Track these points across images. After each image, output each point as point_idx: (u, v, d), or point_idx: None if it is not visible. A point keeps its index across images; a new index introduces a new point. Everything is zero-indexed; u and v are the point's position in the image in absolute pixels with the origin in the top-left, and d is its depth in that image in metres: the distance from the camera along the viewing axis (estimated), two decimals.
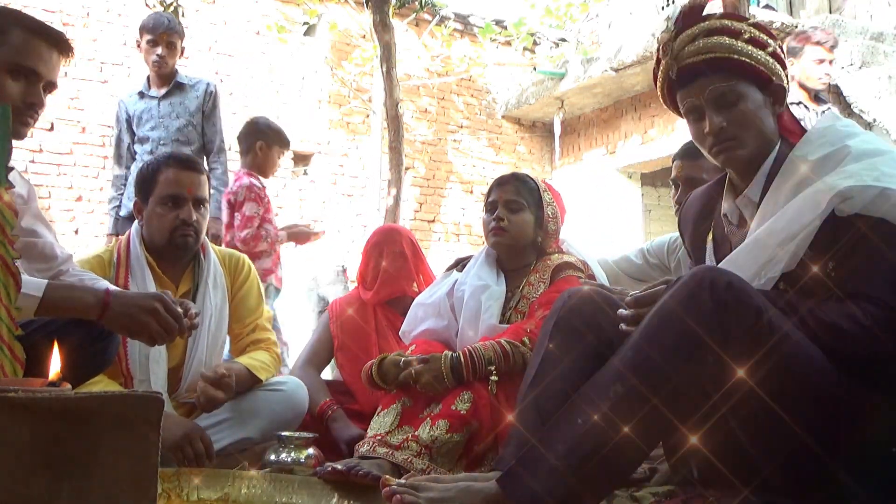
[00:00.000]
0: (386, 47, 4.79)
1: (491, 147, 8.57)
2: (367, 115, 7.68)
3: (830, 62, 3.76)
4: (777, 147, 1.49)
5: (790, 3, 7.34)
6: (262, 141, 3.63)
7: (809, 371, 1.22)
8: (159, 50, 3.43)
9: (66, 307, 1.54)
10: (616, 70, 7.04)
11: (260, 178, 3.56)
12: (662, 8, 6.80)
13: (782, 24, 6.16)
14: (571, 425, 1.23)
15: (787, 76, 1.52)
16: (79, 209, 6.51)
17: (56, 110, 6.38)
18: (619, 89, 7.58)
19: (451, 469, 1.78)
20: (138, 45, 3.53)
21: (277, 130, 3.76)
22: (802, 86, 3.79)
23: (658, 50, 1.55)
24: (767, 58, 1.47)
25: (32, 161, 6.32)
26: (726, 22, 1.48)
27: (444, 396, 1.88)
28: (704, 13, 1.51)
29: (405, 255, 2.48)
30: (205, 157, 3.57)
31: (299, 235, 3.75)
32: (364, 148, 7.70)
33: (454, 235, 8.22)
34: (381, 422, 1.91)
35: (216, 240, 3.35)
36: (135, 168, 3.52)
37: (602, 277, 2.18)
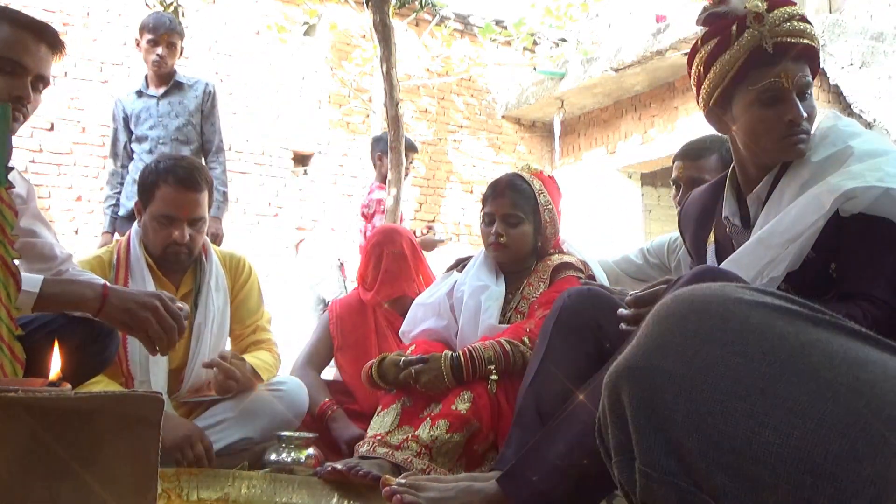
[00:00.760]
0: (386, 47, 4.79)
1: (491, 147, 8.58)
2: (367, 115, 7.69)
3: None
4: None
5: None
6: (380, 151, 3.84)
7: None
8: (159, 50, 3.43)
9: (64, 301, 1.54)
10: (616, 70, 7.04)
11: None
12: (659, 31, 6.73)
13: None
14: (571, 425, 1.23)
15: None
16: (79, 209, 6.51)
17: (56, 110, 6.38)
18: (619, 89, 7.58)
19: (451, 469, 1.77)
20: (138, 45, 3.52)
21: (378, 137, 4.04)
22: None
23: (719, 19, 1.44)
24: None
25: (32, 161, 6.32)
26: (804, 13, 1.45)
27: (444, 396, 1.88)
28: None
29: (405, 255, 2.47)
30: (203, 157, 3.56)
31: (426, 244, 3.92)
32: (364, 148, 7.70)
33: (454, 235, 8.22)
34: (381, 422, 1.91)
35: (216, 239, 3.35)
36: (132, 167, 3.52)
37: (602, 277, 2.18)
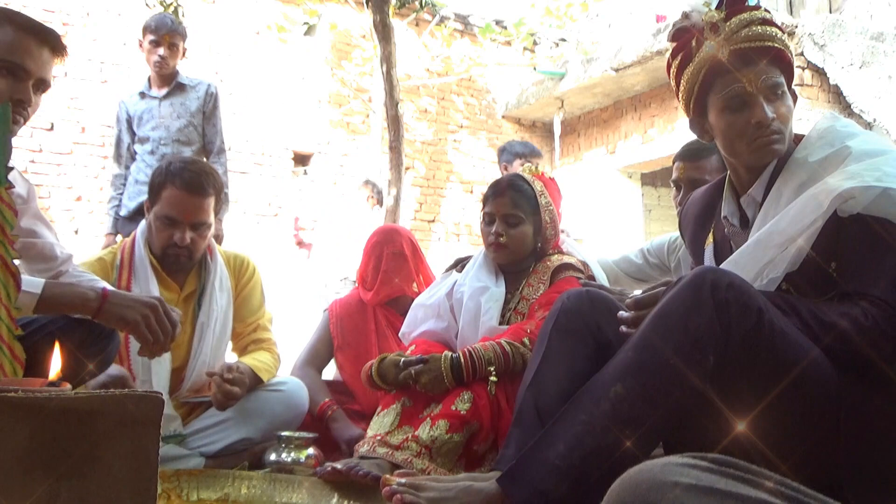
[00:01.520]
0: (386, 47, 4.79)
1: (491, 147, 8.57)
2: (367, 115, 7.69)
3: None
4: None
5: (790, 3, 7.34)
6: (505, 161, 4.04)
7: (810, 371, 1.22)
8: (161, 51, 3.43)
9: (65, 303, 1.54)
10: (616, 70, 7.04)
11: None
12: (658, 31, 6.74)
13: (782, 23, 6.15)
14: (571, 425, 1.23)
15: None
16: (79, 209, 6.51)
17: (56, 110, 6.38)
18: (619, 89, 7.58)
19: (451, 469, 1.77)
20: (140, 45, 3.53)
21: (502, 147, 4.15)
22: None
23: (682, 34, 1.48)
24: (792, 59, 1.48)
25: (32, 161, 6.32)
26: (769, 16, 1.46)
27: (444, 396, 1.88)
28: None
29: (405, 255, 2.48)
30: (205, 158, 3.57)
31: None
32: (364, 148, 7.70)
33: (454, 235, 8.22)
34: (381, 422, 1.91)
35: (217, 239, 3.35)
36: (134, 167, 3.53)
37: (602, 278, 2.18)
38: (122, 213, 3.54)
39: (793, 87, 1.49)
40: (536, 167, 2.27)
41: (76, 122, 6.51)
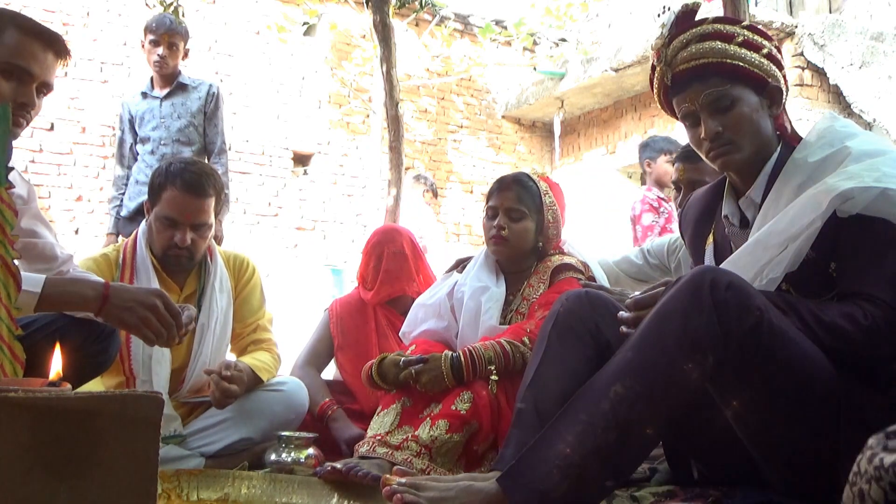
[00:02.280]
0: (386, 47, 4.79)
1: (491, 147, 8.58)
2: (367, 115, 7.69)
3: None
4: (778, 149, 1.49)
5: (790, 3, 7.34)
6: (648, 157, 4.02)
7: (810, 371, 1.22)
8: (161, 50, 3.43)
9: (66, 302, 1.54)
10: (616, 70, 7.04)
11: (656, 189, 3.98)
12: (658, 15, 6.81)
13: (782, 24, 6.16)
14: (571, 425, 1.23)
15: (784, 77, 1.52)
16: (79, 209, 6.52)
17: (56, 110, 6.38)
18: (619, 89, 7.58)
19: (451, 469, 1.78)
20: (142, 45, 3.54)
21: (645, 143, 4.19)
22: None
23: (652, 57, 1.56)
24: (762, 60, 1.47)
25: (32, 161, 6.32)
26: (718, 26, 1.48)
27: (444, 396, 1.88)
28: (698, 18, 1.51)
29: (405, 254, 2.47)
30: (206, 159, 3.57)
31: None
32: (364, 148, 7.70)
33: (454, 235, 8.22)
34: (381, 422, 1.91)
35: (217, 239, 3.35)
36: (135, 168, 3.53)
37: (602, 278, 2.18)
38: (123, 213, 3.54)
39: (772, 83, 1.48)
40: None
41: (76, 122, 6.51)
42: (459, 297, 2.13)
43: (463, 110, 8.48)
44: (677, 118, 1.57)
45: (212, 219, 2.09)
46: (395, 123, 4.89)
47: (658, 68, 1.52)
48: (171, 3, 4.09)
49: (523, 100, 8.31)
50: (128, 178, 3.57)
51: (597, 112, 8.19)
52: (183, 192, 2.02)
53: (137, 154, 3.56)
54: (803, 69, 6.14)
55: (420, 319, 2.17)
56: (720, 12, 2.97)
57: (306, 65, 7.56)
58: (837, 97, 6.11)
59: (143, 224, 2.17)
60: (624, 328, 1.35)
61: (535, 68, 8.19)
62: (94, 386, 1.93)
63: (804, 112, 5.90)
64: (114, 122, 6.31)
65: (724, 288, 1.18)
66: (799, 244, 1.32)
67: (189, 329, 1.70)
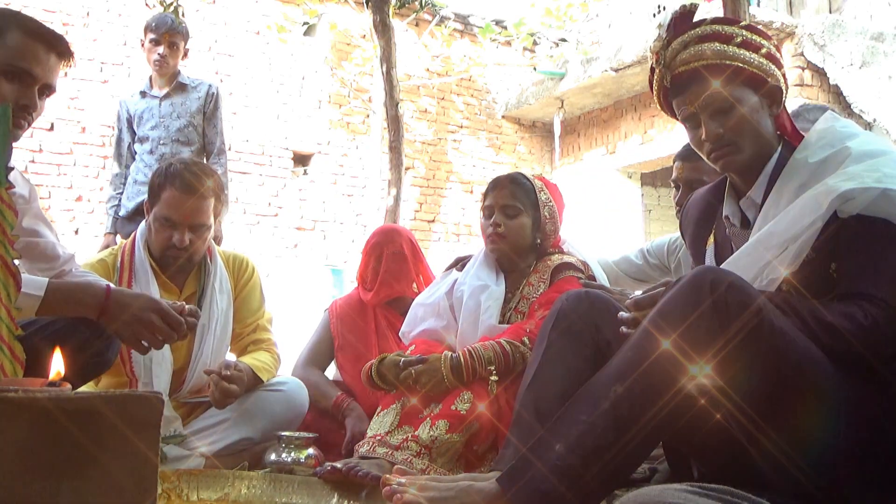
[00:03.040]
0: (386, 47, 4.79)
1: (491, 147, 8.58)
2: (367, 115, 7.69)
3: None
4: (779, 149, 1.49)
5: (790, 3, 7.35)
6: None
7: (810, 371, 1.22)
8: (161, 49, 3.44)
9: (67, 306, 1.55)
10: (616, 70, 7.04)
11: None
12: (654, 14, 6.81)
13: (782, 24, 6.16)
14: (571, 425, 1.23)
15: (783, 77, 1.51)
16: (79, 209, 6.51)
17: (56, 110, 6.38)
18: (619, 89, 7.58)
19: (451, 469, 1.78)
20: (142, 45, 3.54)
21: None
22: None
23: (651, 58, 1.56)
24: (761, 60, 1.47)
25: (32, 161, 6.32)
26: (717, 27, 1.47)
27: (444, 396, 1.88)
28: (696, 18, 1.50)
29: (405, 255, 2.47)
30: (205, 159, 3.57)
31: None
32: (364, 148, 7.70)
33: (454, 235, 8.22)
34: (381, 422, 1.91)
35: (216, 240, 3.35)
36: (133, 167, 3.53)
37: (602, 278, 2.18)
38: (121, 213, 3.54)
39: (772, 83, 1.48)
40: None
41: (76, 122, 6.51)
42: (459, 295, 2.13)
43: (463, 110, 8.48)
44: (677, 119, 1.56)
45: (211, 220, 2.09)
46: (395, 123, 4.90)
47: (657, 70, 1.52)
48: (171, 3, 4.09)
49: (523, 100, 8.31)
50: (125, 178, 3.56)
51: (597, 112, 8.19)
52: (182, 192, 2.02)
53: (135, 153, 3.56)
54: (803, 69, 6.14)
55: (419, 318, 2.17)
56: (720, 12, 2.97)
57: (306, 65, 7.56)
58: (837, 97, 6.11)
59: (141, 225, 2.17)
60: (624, 328, 1.35)
61: (535, 68, 8.18)
62: (95, 387, 1.93)
63: None
64: (113, 122, 6.31)
65: (724, 288, 1.18)
66: (799, 245, 1.32)
67: (193, 324, 1.71)
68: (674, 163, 2.30)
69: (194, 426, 2.06)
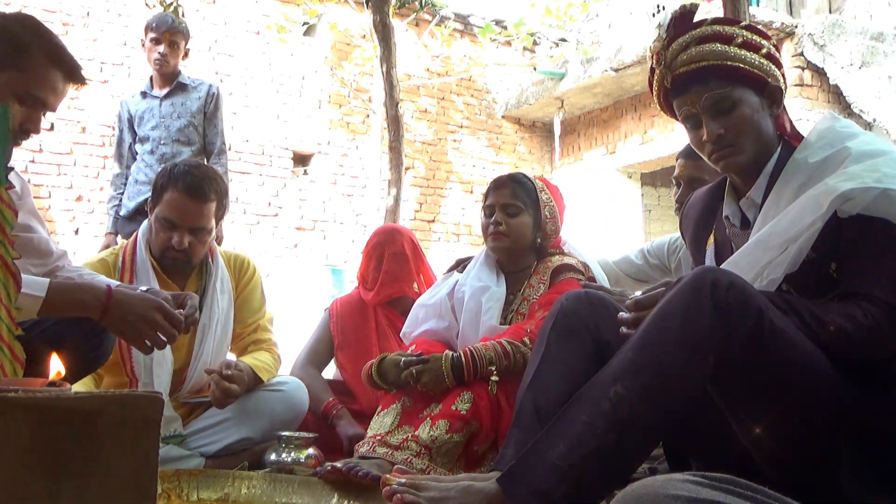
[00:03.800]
0: (386, 47, 4.79)
1: (491, 147, 8.58)
2: (367, 115, 7.69)
3: None
4: (779, 149, 1.49)
5: (790, 3, 7.35)
6: None
7: (810, 371, 1.22)
8: (161, 48, 3.44)
9: (69, 307, 1.55)
10: (616, 70, 7.04)
11: None
12: (653, 15, 6.81)
13: (782, 24, 6.16)
14: (572, 425, 1.23)
15: (783, 77, 1.52)
16: (79, 209, 6.51)
17: (56, 110, 6.37)
18: (619, 89, 7.58)
19: (451, 469, 1.78)
20: (143, 45, 3.55)
21: None
22: None
23: (651, 59, 1.55)
24: (762, 60, 1.47)
25: (32, 161, 6.32)
26: (717, 27, 1.47)
27: (444, 396, 1.88)
28: (696, 19, 1.50)
29: (405, 255, 2.47)
30: (206, 159, 3.57)
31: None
32: (364, 148, 7.70)
33: (454, 235, 8.22)
34: (381, 422, 1.91)
35: (217, 240, 3.35)
36: (134, 168, 3.53)
37: (602, 278, 2.18)
38: (122, 213, 3.54)
39: (772, 83, 1.48)
40: None
41: (76, 122, 6.51)
42: (460, 296, 2.13)
43: (463, 110, 8.48)
44: (677, 119, 1.56)
45: (212, 223, 2.09)
46: (395, 123, 4.90)
47: (657, 71, 1.52)
48: (171, 3, 4.09)
49: (523, 100, 8.31)
50: (126, 178, 3.57)
51: (597, 112, 8.19)
52: (184, 194, 2.02)
53: (136, 153, 3.56)
54: (803, 69, 6.14)
55: (421, 319, 2.18)
56: (720, 12, 2.97)
57: (306, 65, 7.56)
58: (837, 97, 6.11)
59: (143, 224, 2.17)
60: (624, 329, 1.35)
61: (535, 68, 8.18)
62: (96, 387, 1.93)
63: (804, 112, 5.90)
64: (114, 122, 6.31)
65: (724, 288, 1.18)
66: (799, 245, 1.32)
67: (194, 320, 1.70)
68: (676, 160, 2.30)
69: (194, 426, 2.06)
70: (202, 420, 2.07)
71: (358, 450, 1.87)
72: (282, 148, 7.40)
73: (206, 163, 3.52)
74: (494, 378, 1.87)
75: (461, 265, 2.32)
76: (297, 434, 1.92)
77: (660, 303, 1.25)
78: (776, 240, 1.35)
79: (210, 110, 3.55)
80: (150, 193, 2.16)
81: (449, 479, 1.38)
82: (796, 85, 6.05)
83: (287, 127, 7.43)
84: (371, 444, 1.84)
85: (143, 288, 1.74)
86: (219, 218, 2.14)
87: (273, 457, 1.88)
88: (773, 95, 1.49)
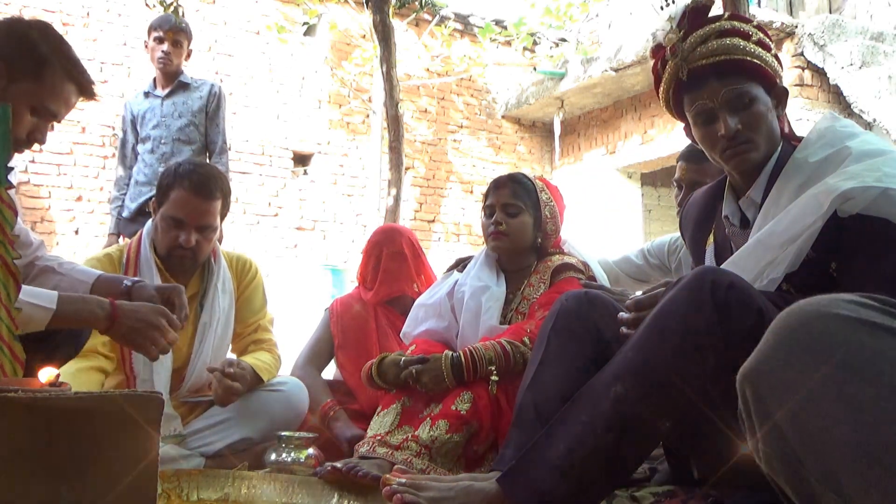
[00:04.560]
0: (386, 47, 4.79)
1: (491, 147, 8.57)
2: (367, 115, 7.68)
3: None
4: (779, 149, 1.49)
5: (790, 3, 7.34)
6: None
7: None
8: (164, 47, 3.46)
9: (77, 319, 1.55)
10: (616, 70, 7.04)
11: None
12: (662, 7, 6.82)
13: (782, 24, 6.16)
14: (571, 425, 1.23)
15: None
16: (79, 209, 6.51)
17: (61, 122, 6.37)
18: (619, 89, 7.58)
19: (451, 469, 1.77)
20: (145, 46, 3.57)
21: None
22: None
23: (658, 51, 1.54)
24: (773, 60, 1.47)
25: (32, 161, 6.32)
26: (736, 24, 1.47)
27: (444, 396, 1.88)
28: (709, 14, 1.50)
29: (405, 255, 2.48)
30: (207, 157, 3.57)
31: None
32: (364, 148, 7.70)
33: (454, 235, 8.22)
34: (381, 422, 1.91)
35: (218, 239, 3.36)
36: (135, 169, 3.54)
37: (602, 278, 2.18)
38: (125, 213, 3.55)
39: (780, 84, 1.49)
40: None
41: (76, 122, 6.50)
42: (460, 296, 2.14)
43: (463, 110, 8.48)
44: (678, 116, 1.56)
45: (217, 221, 2.10)
46: (395, 123, 4.90)
47: (672, 63, 1.49)
48: (171, 3, 4.09)
49: (523, 100, 8.31)
50: (129, 179, 3.57)
51: (597, 112, 8.18)
52: (191, 193, 2.03)
53: (138, 153, 3.57)
54: (803, 69, 6.14)
55: (420, 319, 2.18)
56: (719, 12, 2.97)
57: (306, 65, 7.56)
58: (837, 97, 6.10)
59: (148, 223, 2.18)
60: (624, 329, 1.35)
61: (535, 68, 8.18)
62: (96, 387, 1.93)
63: (804, 112, 5.90)
64: (114, 122, 6.31)
65: (724, 288, 1.18)
66: (799, 244, 1.31)
67: (186, 315, 1.71)
68: (677, 163, 2.30)
69: (194, 426, 2.06)
70: (202, 420, 2.08)
71: (358, 450, 1.87)
72: (282, 148, 7.40)
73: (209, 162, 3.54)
74: (494, 378, 1.87)
75: (461, 265, 2.32)
76: (297, 434, 1.92)
77: (660, 303, 1.25)
78: (776, 239, 1.34)
79: (212, 109, 3.56)
80: (150, 194, 2.16)
81: (449, 479, 1.38)
82: (796, 85, 6.05)
83: (287, 127, 7.43)
84: (371, 443, 1.84)
85: (129, 281, 1.75)
86: (222, 216, 2.14)
87: (273, 457, 1.88)
88: (779, 96, 1.50)
